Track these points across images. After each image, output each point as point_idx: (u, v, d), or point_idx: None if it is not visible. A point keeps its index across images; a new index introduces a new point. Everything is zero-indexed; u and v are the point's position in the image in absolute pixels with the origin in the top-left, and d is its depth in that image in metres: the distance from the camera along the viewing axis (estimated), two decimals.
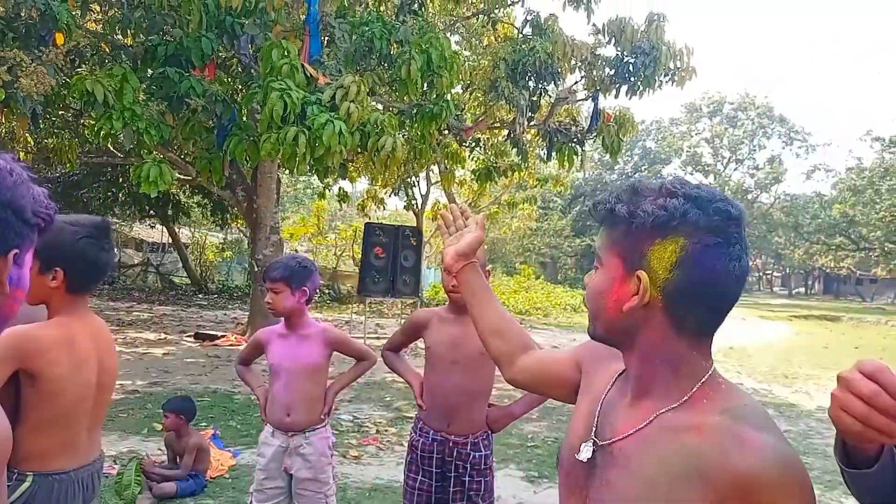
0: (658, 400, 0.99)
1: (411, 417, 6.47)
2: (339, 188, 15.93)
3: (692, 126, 45.48)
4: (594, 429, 1.06)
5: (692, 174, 42.57)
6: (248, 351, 2.93)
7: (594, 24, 9.43)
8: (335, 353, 2.83)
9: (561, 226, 37.89)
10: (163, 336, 10.84)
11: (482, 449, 2.57)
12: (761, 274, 60.49)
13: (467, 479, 2.54)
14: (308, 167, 6.60)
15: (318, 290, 2.79)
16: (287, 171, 10.08)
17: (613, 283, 1.00)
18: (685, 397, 0.97)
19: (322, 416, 2.75)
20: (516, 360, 1.38)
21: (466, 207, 1.55)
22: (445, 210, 1.55)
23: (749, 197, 42.50)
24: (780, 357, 12.61)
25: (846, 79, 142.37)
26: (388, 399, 7.27)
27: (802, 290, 58.28)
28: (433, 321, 2.59)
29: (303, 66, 6.26)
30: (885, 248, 32.19)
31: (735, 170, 44.31)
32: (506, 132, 11.48)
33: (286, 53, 6.14)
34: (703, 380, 0.98)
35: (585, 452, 1.05)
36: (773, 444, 0.90)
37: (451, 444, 2.54)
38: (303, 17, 7.28)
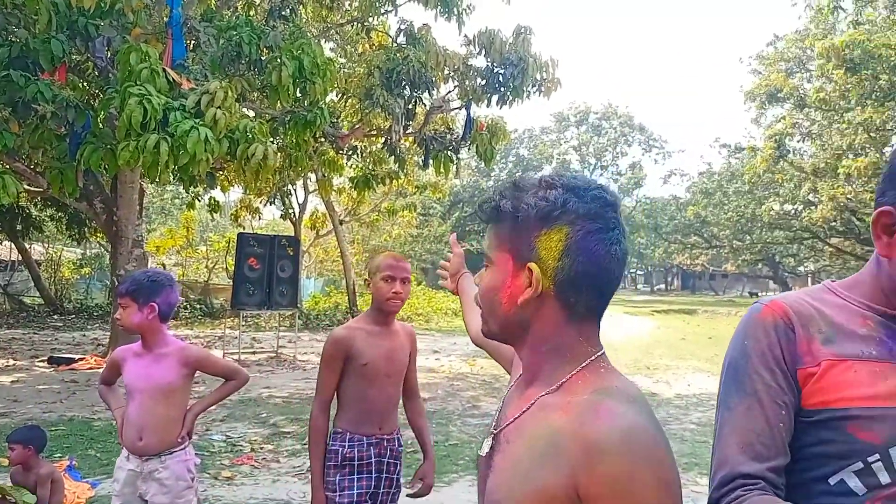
0: (542, 386, 1.01)
1: (289, 433, 6.32)
2: (211, 198, 15.27)
3: (561, 134, 47.76)
4: (494, 423, 1.10)
5: None
6: (107, 371, 2.77)
7: (465, 36, 9.68)
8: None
9: (441, 232, 38.41)
10: (11, 362, 9.89)
11: (400, 442, 2.66)
12: (626, 272, 64.40)
13: (397, 475, 2.59)
14: (172, 176, 6.28)
15: (173, 306, 2.63)
16: (150, 181, 9.53)
17: (506, 279, 1.01)
18: (563, 380, 0.99)
19: (179, 440, 2.61)
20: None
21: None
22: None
23: None
24: (642, 350, 13.49)
25: (697, 89, 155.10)
26: (264, 415, 7.05)
27: (663, 286, 62.73)
28: (359, 337, 2.52)
29: (164, 70, 5.95)
30: (734, 246, 35.25)
31: (601, 175, 46.95)
32: (383, 140, 11.50)
33: (146, 57, 5.80)
34: (585, 364, 1.00)
35: (486, 446, 1.07)
36: (627, 413, 0.90)
37: (385, 443, 2.56)
38: (165, 19, 6.93)
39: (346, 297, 19.69)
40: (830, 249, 30.14)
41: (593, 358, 1.01)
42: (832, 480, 1.00)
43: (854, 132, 20.03)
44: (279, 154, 9.29)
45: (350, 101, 11.09)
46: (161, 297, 2.54)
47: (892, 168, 1.02)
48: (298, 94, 7.25)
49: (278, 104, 7.58)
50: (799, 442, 1.05)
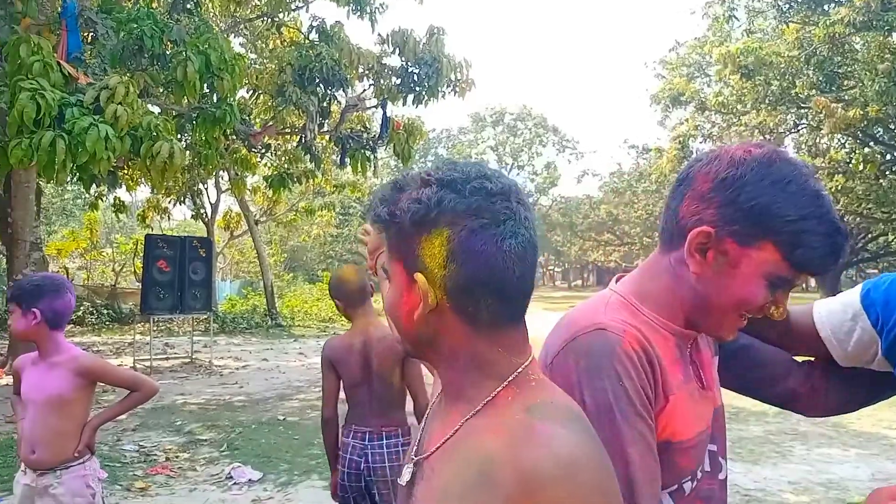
0: (466, 406, 0.89)
1: (206, 440, 6.15)
2: (115, 198, 14.56)
3: (478, 134, 48.40)
4: (416, 447, 0.97)
5: None
6: (15, 381, 2.64)
7: (379, 34, 9.65)
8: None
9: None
10: None
11: None
12: (544, 269, 66.06)
13: None
14: (70, 175, 5.96)
15: (62, 312, 2.47)
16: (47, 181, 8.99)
17: (402, 292, 0.90)
18: (488, 398, 0.87)
19: (75, 454, 2.50)
20: None
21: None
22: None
23: (531, 200, 46.10)
24: None
25: (607, 92, 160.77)
26: (178, 423, 6.82)
27: (580, 282, 64.64)
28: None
29: (59, 63, 5.64)
30: (644, 242, 36.74)
31: (517, 175, 47.90)
32: (297, 138, 11.31)
33: (38, 49, 5.47)
34: (511, 378, 0.88)
35: (406, 474, 0.94)
36: (565, 436, 0.80)
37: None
38: (59, 10, 6.56)
39: (265, 299, 19.24)
40: None
41: (520, 370, 0.89)
42: None
43: (750, 134, 21.30)
44: (187, 152, 8.97)
45: (262, 98, 10.85)
46: (44, 303, 2.41)
47: (714, 191, 1.05)
48: (206, 90, 7.02)
49: (184, 100, 7.32)
50: None
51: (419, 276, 0.85)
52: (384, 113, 10.25)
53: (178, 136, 7.99)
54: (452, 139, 47.62)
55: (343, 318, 2.98)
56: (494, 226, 0.83)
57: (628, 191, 34.62)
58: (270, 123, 10.65)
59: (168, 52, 6.68)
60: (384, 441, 2.75)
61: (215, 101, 7.41)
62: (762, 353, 1.33)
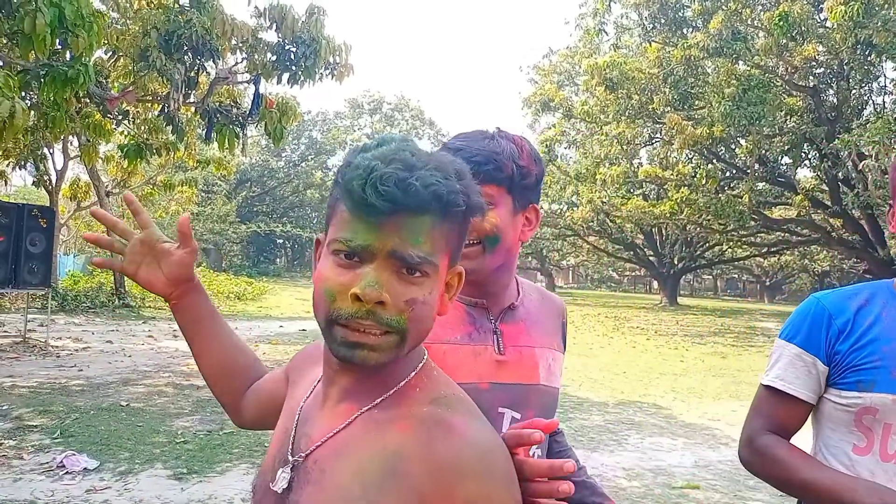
0: (362, 397, 0.84)
1: (36, 426, 5.66)
2: None
3: (355, 121, 47.87)
4: (290, 446, 0.87)
5: None
6: None
7: (256, 7, 9.26)
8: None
9: (226, 211, 36.58)
10: None
11: None
12: None
13: None
14: None
15: None
16: None
17: (440, 289, 0.84)
18: (395, 389, 0.83)
19: None
20: (244, 401, 1.20)
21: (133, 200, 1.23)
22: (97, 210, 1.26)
23: None
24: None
25: (482, 92, 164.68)
26: (5, 408, 6.23)
27: None
28: None
29: None
30: None
31: None
32: (160, 107, 10.62)
33: None
34: (419, 368, 0.85)
35: (282, 481, 0.84)
36: (480, 429, 0.80)
37: None
38: None
39: (112, 277, 17.92)
40: (587, 246, 33.86)
41: (425, 359, 0.88)
42: None
43: (610, 144, 22.70)
44: (31, 112, 8.17)
45: (122, 61, 10.08)
46: None
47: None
48: (58, 46, 6.41)
49: (32, 55, 6.64)
50: None
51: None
52: (257, 89, 9.87)
53: (23, 93, 7.25)
54: (328, 123, 46.74)
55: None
56: None
57: None
58: (130, 89, 9.92)
59: (15, 1, 6.03)
60: None
61: (68, 59, 6.79)
62: None
